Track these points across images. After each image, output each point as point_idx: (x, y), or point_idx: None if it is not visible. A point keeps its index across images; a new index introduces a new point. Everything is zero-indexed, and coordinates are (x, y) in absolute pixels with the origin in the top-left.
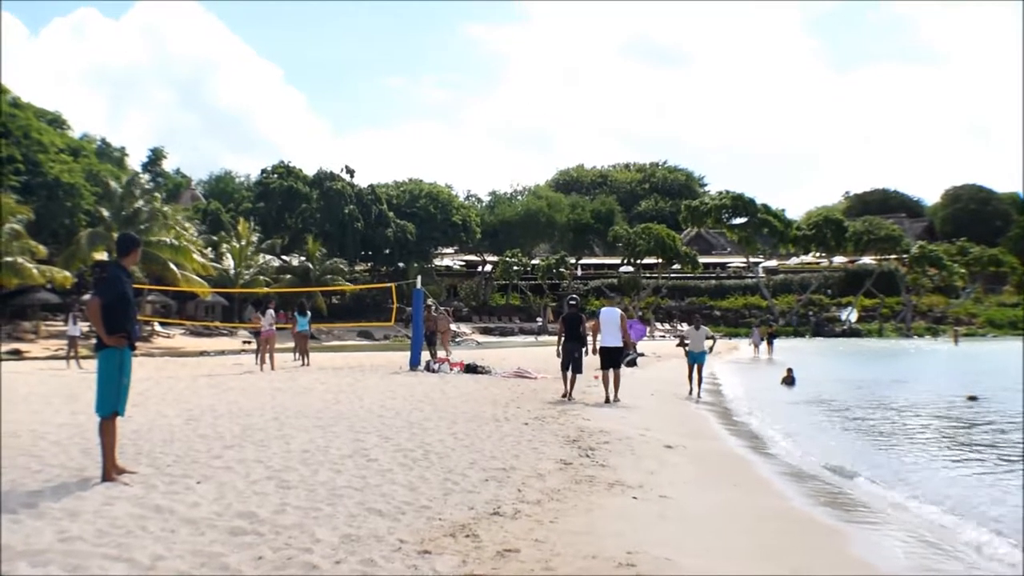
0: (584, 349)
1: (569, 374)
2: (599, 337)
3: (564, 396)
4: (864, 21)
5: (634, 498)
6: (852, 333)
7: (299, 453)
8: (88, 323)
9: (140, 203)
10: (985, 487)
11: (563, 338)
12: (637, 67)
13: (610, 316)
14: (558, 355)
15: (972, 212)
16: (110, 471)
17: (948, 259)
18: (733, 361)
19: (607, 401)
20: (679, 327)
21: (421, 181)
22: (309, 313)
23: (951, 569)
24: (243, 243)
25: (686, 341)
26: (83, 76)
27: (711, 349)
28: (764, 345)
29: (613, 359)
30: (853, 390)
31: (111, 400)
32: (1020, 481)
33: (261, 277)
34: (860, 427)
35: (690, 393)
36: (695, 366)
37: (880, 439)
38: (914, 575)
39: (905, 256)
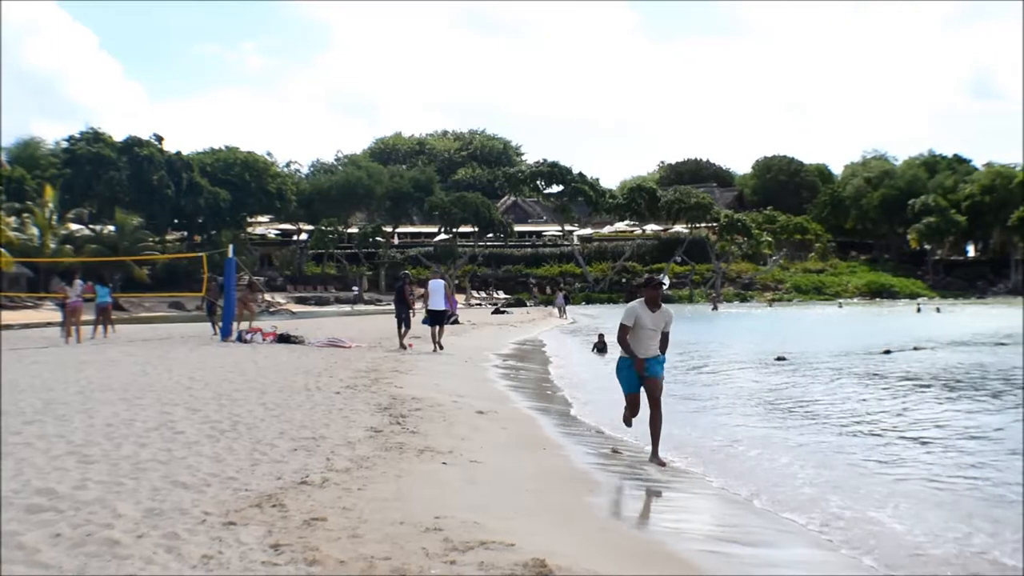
0: (412, 311)
1: (402, 330)
2: (428, 302)
3: (400, 347)
4: None
5: (444, 463)
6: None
7: (103, 427)
8: None
9: None
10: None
11: (395, 303)
12: (461, 35)
13: (436, 286)
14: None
15: (781, 182)
16: None
17: (756, 227)
18: (551, 328)
19: (435, 350)
20: (495, 295)
21: (237, 149)
22: (110, 285)
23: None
24: (48, 211)
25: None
26: None
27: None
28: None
29: (439, 318)
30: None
31: None
32: None
33: (67, 247)
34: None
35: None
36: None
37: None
38: None
39: (715, 224)
